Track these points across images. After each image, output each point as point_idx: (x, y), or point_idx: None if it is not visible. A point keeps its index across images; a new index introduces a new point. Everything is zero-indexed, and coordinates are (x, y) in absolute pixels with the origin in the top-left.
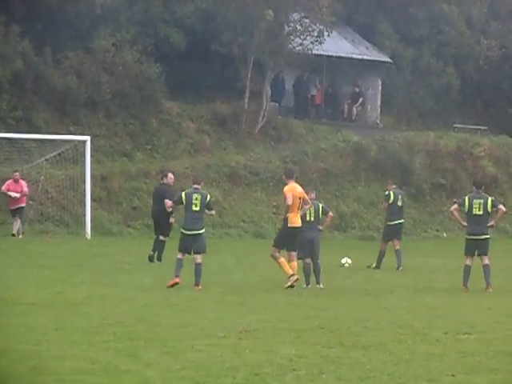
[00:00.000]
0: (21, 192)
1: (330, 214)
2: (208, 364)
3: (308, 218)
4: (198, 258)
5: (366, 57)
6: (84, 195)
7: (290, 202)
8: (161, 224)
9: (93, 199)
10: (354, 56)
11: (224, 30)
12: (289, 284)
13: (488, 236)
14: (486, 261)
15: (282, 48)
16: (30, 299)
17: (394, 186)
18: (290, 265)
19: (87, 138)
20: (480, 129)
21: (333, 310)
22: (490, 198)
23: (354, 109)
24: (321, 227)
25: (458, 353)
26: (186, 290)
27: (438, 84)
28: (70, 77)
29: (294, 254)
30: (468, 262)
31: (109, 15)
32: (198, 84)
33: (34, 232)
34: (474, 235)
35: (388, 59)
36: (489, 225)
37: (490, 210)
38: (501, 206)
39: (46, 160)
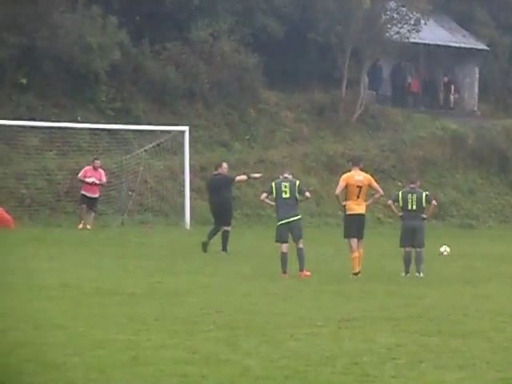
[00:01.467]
0: (99, 180)
1: (434, 202)
2: (307, 353)
3: (410, 207)
4: (300, 243)
5: (463, 45)
6: (183, 185)
7: (337, 191)
8: (222, 214)
9: (192, 189)
10: (451, 44)
11: (321, 19)
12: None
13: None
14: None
15: (379, 36)
16: (130, 289)
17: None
18: (358, 252)
19: (186, 128)
20: None
21: (431, 298)
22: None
23: (451, 97)
24: (424, 216)
25: None
26: (285, 279)
27: None
28: (169, 68)
29: (361, 242)
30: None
31: (206, 5)
32: (296, 73)
33: (133, 222)
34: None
35: (485, 47)
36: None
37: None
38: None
39: (145, 151)
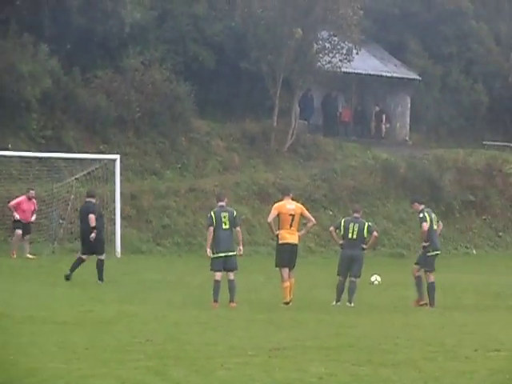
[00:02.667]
0: (33, 211)
1: (375, 233)
2: (238, 383)
3: (350, 236)
4: (231, 275)
5: (395, 74)
6: (114, 214)
7: (269, 219)
8: (94, 243)
9: (122, 217)
10: (383, 73)
11: (253, 48)
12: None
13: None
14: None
15: (310, 66)
16: (61, 318)
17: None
18: (289, 282)
19: (117, 156)
20: (509, 146)
21: (362, 327)
22: (366, 224)
23: (383, 126)
24: (364, 246)
25: (488, 370)
26: (216, 309)
27: (467, 101)
28: (100, 96)
29: (292, 271)
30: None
31: (138, 34)
32: (227, 102)
33: (64, 251)
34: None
35: (417, 77)
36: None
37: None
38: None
39: (76, 179)
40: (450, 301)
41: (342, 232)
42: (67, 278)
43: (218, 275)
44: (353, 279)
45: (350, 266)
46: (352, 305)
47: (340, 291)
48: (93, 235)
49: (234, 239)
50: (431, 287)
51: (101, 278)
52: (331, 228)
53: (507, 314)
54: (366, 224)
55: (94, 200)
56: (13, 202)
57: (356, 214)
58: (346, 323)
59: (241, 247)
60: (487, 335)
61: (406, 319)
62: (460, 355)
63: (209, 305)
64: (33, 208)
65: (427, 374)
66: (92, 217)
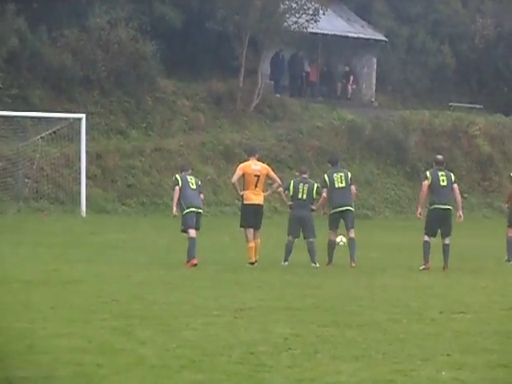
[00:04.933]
0: None
1: (324, 194)
2: (203, 342)
3: (300, 196)
4: (194, 233)
5: (361, 35)
6: (79, 173)
7: (234, 179)
8: None
9: (88, 177)
10: (350, 34)
11: (219, 8)
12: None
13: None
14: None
15: (277, 26)
16: (26, 277)
17: None
18: (255, 242)
19: (82, 115)
20: (475, 107)
21: (328, 288)
22: (315, 185)
23: (349, 87)
24: (314, 207)
25: (453, 332)
26: (181, 269)
27: (433, 63)
28: (66, 55)
29: (258, 231)
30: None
31: None
32: (194, 62)
33: (29, 210)
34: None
35: (383, 38)
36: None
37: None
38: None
39: (41, 138)
40: (415, 262)
41: (292, 193)
42: None
43: (192, 232)
44: (310, 240)
45: (301, 227)
46: (317, 265)
47: (288, 251)
48: None
49: None
50: None
51: None
52: (280, 189)
53: (472, 277)
54: (316, 185)
55: None
56: None
57: (304, 175)
58: (311, 284)
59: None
60: (452, 297)
61: (370, 281)
62: (425, 317)
63: (174, 265)
64: None
65: (392, 336)
66: None
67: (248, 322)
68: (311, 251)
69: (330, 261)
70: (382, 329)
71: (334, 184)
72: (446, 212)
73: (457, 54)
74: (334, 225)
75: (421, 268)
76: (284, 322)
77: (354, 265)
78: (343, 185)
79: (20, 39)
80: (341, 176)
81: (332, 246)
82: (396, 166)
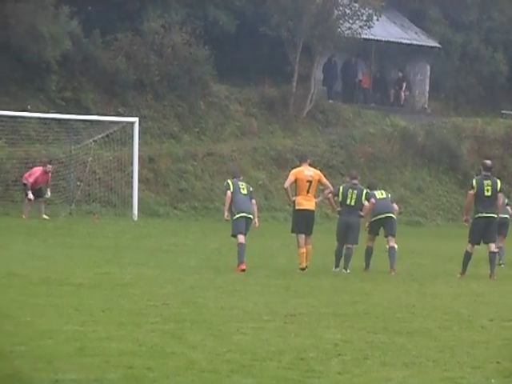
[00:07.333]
0: (46, 183)
1: (372, 200)
2: (253, 347)
3: (348, 202)
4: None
5: (414, 42)
6: (131, 177)
7: (286, 184)
8: None
9: (140, 181)
10: (403, 41)
11: (273, 13)
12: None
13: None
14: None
15: (330, 32)
16: (77, 280)
17: None
18: (306, 248)
19: (135, 119)
20: None
21: (378, 295)
22: (364, 190)
23: (402, 94)
24: (362, 213)
25: (503, 340)
26: (232, 273)
27: (486, 70)
28: (119, 58)
29: (309, 237)
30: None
31: None
32: (247, 67)
33: (81, 213)
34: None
35: (437, 44)
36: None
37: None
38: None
39: (94, 141)
40: (466, 271)
41: (341, 199)
42: None
43: (241, 238)
44: (349, 246)
45: (346, 233)
46: (348, 271)
47: (338, 257)
48: None
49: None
50: None
51: None
52: (329, 195)
53: None
54: (365, 191)
55: None
56: (28, 173)
57: (354, 181)
58: (361, 291)
59: (256, 220)
60: (503, 305)
61: (422, 288)
62: (475, 325)
63: (225, 269)
64: (46, 181)
65: (442, 343)
66: None
67: (298, 328)
68: (347, 256)
69: (367, 266)
70: (432, 336)
71: (375, 195)
72: (489, 220)
73: (510, 62)
74: (373, 231)
75: (458, 276)
76: (334, 327)
77: (393, 274)
78: (384, 196)
79: (74, 42)
80: (381, 192)
81: (369, 251)
82: (448, 173)
